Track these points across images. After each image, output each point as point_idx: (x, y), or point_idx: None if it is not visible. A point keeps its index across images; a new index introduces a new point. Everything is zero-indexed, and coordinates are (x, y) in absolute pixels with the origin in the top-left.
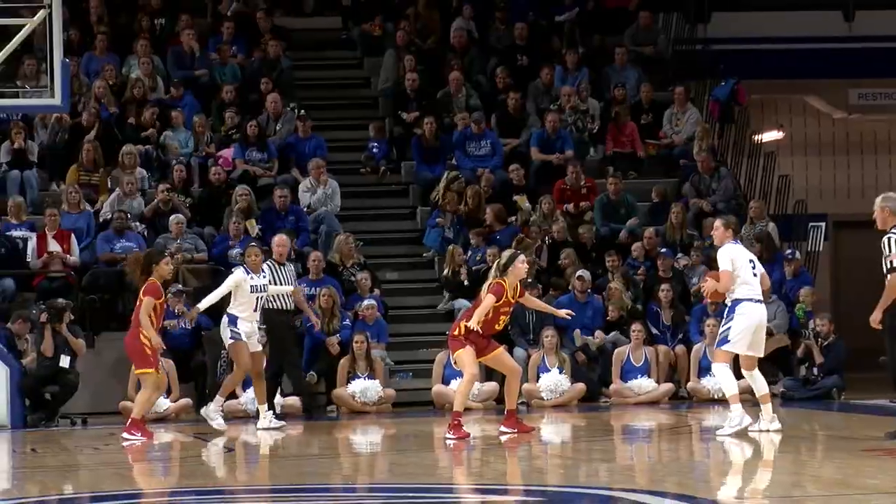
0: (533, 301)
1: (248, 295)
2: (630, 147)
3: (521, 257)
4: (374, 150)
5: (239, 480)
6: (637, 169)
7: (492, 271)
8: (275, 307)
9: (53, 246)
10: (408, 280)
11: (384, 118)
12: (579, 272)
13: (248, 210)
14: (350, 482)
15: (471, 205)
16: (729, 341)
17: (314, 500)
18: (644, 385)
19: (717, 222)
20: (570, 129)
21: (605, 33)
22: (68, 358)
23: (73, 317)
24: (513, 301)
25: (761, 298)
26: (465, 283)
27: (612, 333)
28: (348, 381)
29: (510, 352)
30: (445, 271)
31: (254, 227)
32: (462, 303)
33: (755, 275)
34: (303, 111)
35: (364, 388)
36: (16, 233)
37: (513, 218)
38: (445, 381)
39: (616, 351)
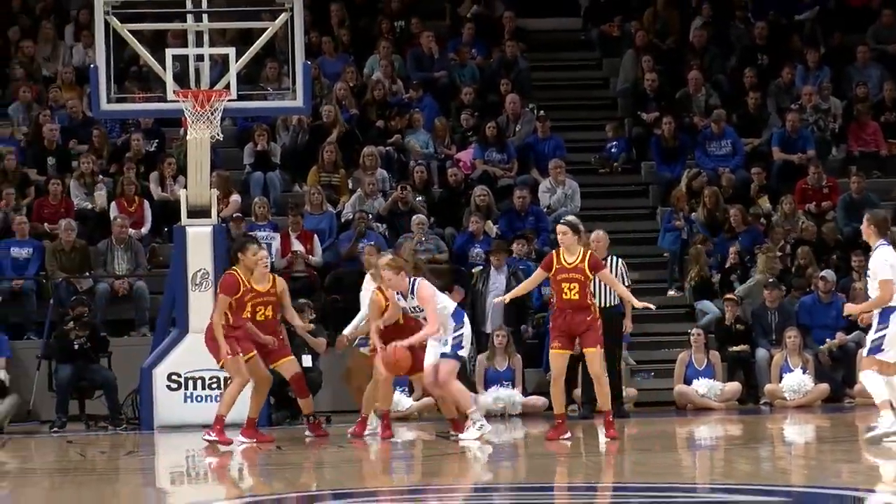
0: (607, 277)
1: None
2: (873, 146)
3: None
4: (612, 149)
5: (483, 479)
6: (880, 168)
7: None
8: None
9: (297, 246)
10: (648, 280)
11: (623, 119)
12: (822, 273)
13: (488, 210)
14: (592, 481)
15: (708, 205)
16: (882, 350)
17: (560, 499)
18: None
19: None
20: (812, 128)
21: (847, 31)
22: (309, 357)
23: (313, 315)
24: (570, 267)
25: None
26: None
27: (855, 333)
28: None
29: (752, 352)
30: (692, 272)
31: (492, 228)
32: (705, 304)
33: None
34: (542, 112)
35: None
36: (260, 233)
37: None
38: (687, 381)
39: (860, 351)
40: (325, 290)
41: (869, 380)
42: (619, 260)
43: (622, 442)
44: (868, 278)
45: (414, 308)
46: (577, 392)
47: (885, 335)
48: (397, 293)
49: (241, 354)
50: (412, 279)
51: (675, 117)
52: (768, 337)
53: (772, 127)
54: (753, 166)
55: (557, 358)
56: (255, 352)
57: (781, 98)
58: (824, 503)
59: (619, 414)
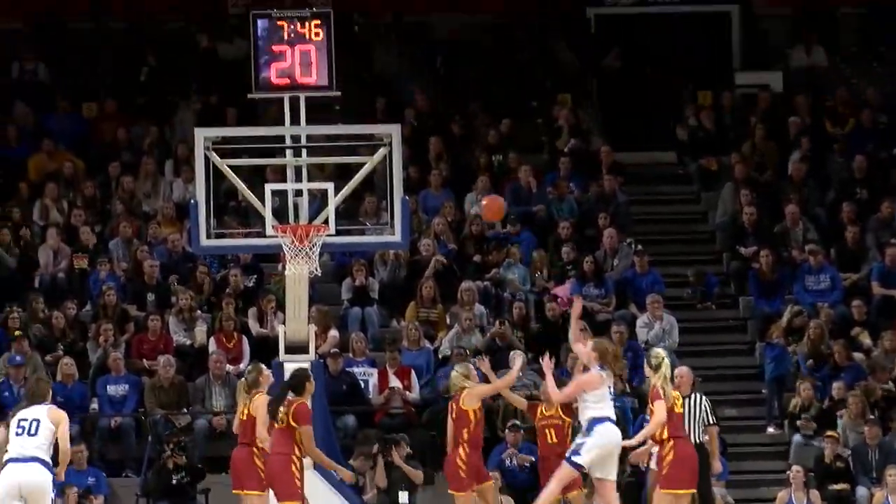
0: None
1: None
2: None
3: None
4: (702, 287)
5: None
6: None
7: None
8: None
9: (394, 382)
10: (747, 417)
11: (721, 252)
12: None
13: None
14: None
15: (813, 338)
16: None
17: None
18: None
19: None
20: None
21: None
22: (406, 493)
23: (409, 450)
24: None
25: None
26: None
27: None
28: None
29: (853, 491)
30: (793, 403)
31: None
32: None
33: None
34: (640, 246)
35: None
36: (357, 369)
37: (857, 354)
38: None
39: None
40: (423, 427)
41: None
42: (704, 398)
43: None
44: None
45: None
46: None
47: None
48: None
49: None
50: None
51: (774, 251)
52: (869, 475)
53: (871, 261)
54: (853, 301)
55: None
56: None
57: (881, 232)
58: None
59: None
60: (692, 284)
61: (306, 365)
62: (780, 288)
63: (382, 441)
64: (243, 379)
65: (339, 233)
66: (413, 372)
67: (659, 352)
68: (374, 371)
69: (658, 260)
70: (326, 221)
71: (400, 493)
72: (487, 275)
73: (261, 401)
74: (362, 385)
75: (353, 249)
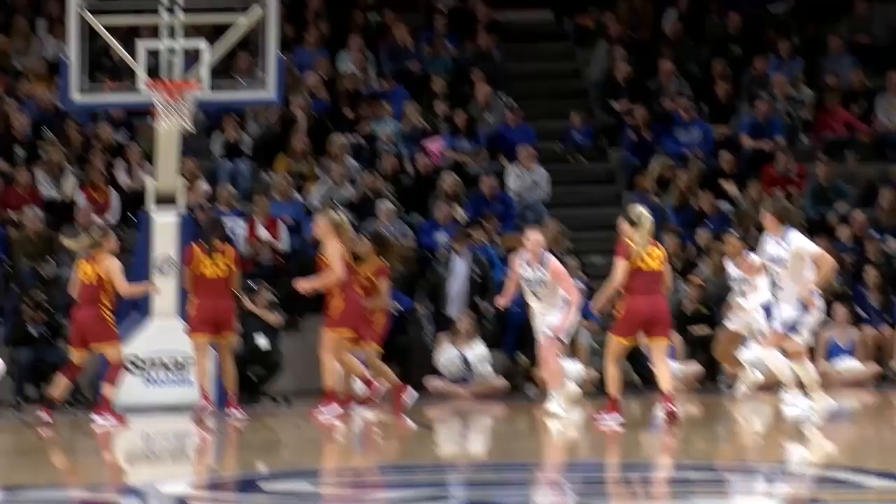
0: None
1: None
2: (842, 133)
3: None
4: (577, 138)
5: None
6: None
7: None
8: None
9: (262, 233)
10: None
11: (591, 109)
12: None
13: (456, 196)
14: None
15: (682, 188)
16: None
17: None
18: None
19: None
20: (783, 117)
21: (821, 22)
22: (261, 337)
23: (274, 297)
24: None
25: None
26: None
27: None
28: None
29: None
30: None
31: (460, 213)
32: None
33: None
34: (513, 101)
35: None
36: (227, 221)
37: (723, 204)
38: None
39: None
40: (290, 276)
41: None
42: None
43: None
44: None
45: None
46: None
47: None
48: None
49: None
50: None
51: (647, 107)
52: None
53: (742, 115)
54: (723, 154)
55: None
56: None
57: (754, 89)
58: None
59: None
60: (574, 127)
61: (175, 219)
62: (652, 142)
63: None
64: (82, 239)
65: (212, 88)
66: (282, 222)
67: (637, 207)
68: (243, 222)
69: (533, 115)
70: (199, 78)
71: (255, 336)
72: (361, 130)
73: (113, 263)
74: (232, 236)
75: (226, 105)
